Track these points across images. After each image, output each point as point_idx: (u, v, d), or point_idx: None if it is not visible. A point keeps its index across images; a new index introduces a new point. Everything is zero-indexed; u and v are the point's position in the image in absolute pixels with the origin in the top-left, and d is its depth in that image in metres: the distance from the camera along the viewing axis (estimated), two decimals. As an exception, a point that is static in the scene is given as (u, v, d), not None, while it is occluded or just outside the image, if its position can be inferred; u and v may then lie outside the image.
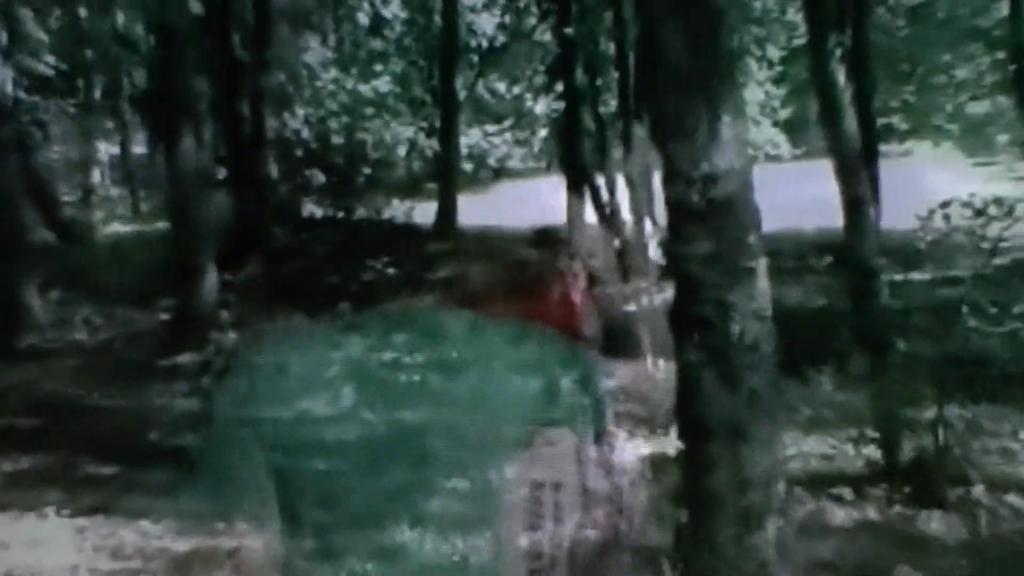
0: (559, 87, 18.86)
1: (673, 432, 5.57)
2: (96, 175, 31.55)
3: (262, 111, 18.95)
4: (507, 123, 31.15)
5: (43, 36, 29.06)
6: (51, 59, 29.77)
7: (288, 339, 2.47)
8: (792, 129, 29.18)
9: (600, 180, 17.27)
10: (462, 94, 24.14)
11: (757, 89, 27.34)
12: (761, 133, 27.55)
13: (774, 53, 26.12)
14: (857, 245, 8.43)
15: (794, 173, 21.04)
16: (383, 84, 27.20)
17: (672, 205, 4.43)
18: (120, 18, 30.19)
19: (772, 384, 4.39)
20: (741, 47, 23.09)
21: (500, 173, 31.20)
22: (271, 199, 19.22)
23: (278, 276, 16.40)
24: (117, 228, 25.22)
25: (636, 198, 16.67)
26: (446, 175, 22.54)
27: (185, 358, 10.86)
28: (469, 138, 29.30)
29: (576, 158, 11.42)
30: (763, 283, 4.37)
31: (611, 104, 20.50)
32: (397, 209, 21.35)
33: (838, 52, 9.53)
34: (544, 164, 30.95)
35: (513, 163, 31.60)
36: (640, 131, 16.92)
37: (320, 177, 20.99)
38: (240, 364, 2.23)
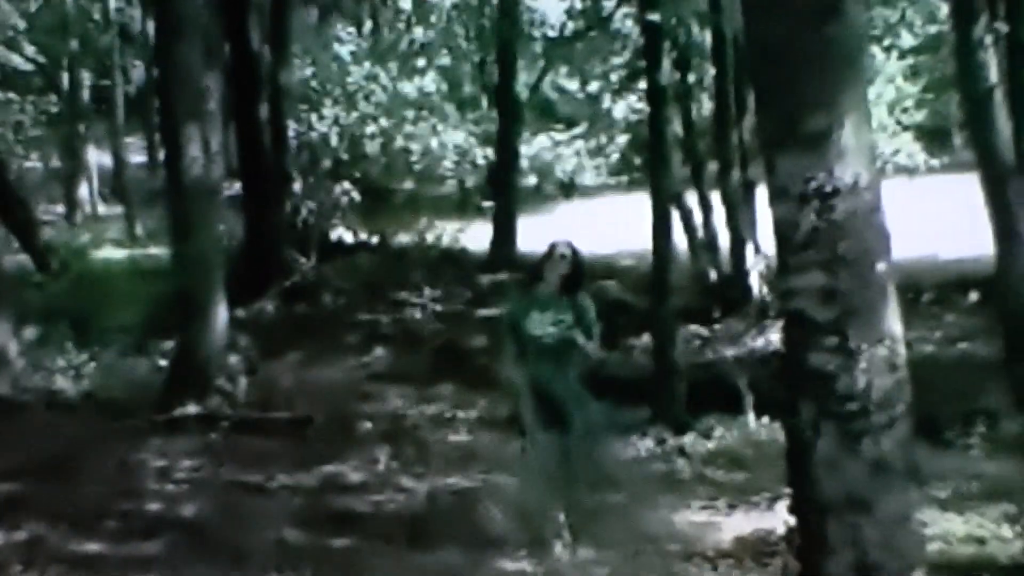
0: (642, 85, 18.86)
1: (782, 506, 5.51)
2: (83, 189, 32.01)
3: (283, 113, 19.18)
4: (578, 129, 31.24)
5: (19, 22, 29.68)
6: (30, 50, 30.42)
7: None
8: (929, 136, 28.89)
9: (692, 198, 17.24)
10: (523, 93, 24.25)
11: (886, 86, 27.14)
12: (890, 140, 27.30)
13: (907, 41, 25.93)
14: (1012, 278, 8.32)
15: (931, 189, 20.84)
16: (428, 81, 27.45)
17: (780, 228, 4.42)
18: (112, 1, 30.83)
19: (905, 449, 4.34)
20: (866, 34, 22.98)
21: (569, 189, 31.26)
22: (293, 220, 19.41)
23: (300, 313, 16.58)
24: (108, 253, 25.52)
25: (735, 220, 16.62)
26: (504, 191, 22.62)
27: (188, 410, 10.99)
28: (532, 147, 29.38)
29: (662, 171, 11.36)
30: (894, 324, 4.34)
31: (705, 106, 20.48)
32: (444, 232, 21.47)
33: (989, 40, 9.41)
34: (623, 178, 30.95)
35: (585, 177, 31.65)
36: (741, 138, 16.89)
37: (352, 193, 21.16)
38: None
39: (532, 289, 7.10)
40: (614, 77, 27.49)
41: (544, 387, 6.99)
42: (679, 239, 14.68)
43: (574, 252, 7.06)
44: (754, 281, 16.09)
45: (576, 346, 6.93)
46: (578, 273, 7.04)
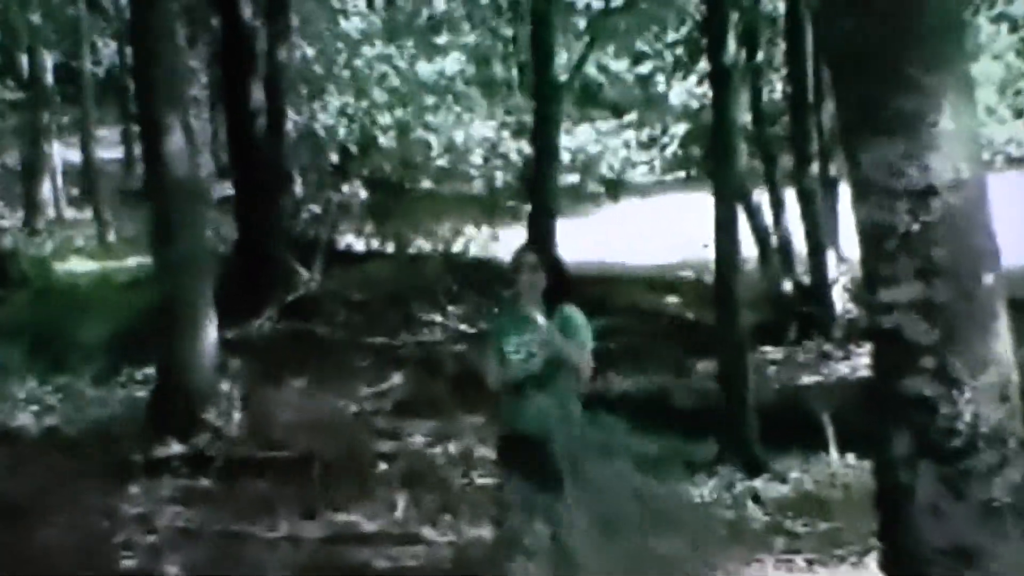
0: (703, 65, 18.86)
1: (872, 560, 5.50)
2: (46, 189, 32.19)
3: (281, 100, 19.25)
4: (628, 117, 31.23)
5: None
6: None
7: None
8: (1046, 122, 28.70)
9: (762, 196, 17.22)
10: (563, 75, 24.23)
11: (994, 64, 27.01)
12: (999, 127, 27.13)
13: (1021, 9, 25.76)
14: None
15: (1049, 184, 20.74)
16: (451, 62, 27.53)
17: (867, 231, 4.42)
18: (78, -34, 31.01)
19: (1019, 491, 4.33)
20: (968, 3, 22.89)
21: (617, 187, 31.24)
22: (293, 224, 19.49)
23: (302, 333, 16.62)
24: (76, 265, 25.67)
25: (813, 221, 16.58)
26: (540, 190, 22.56)
27: (172, 449, 11.04)
28: (574, 138, 29.38)
29: (727, 165, 11.33)
30: (1003, 345, 4.33)
31: (777, 89, 20.45)
32: (471, 239, 21.50)
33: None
34: (680, 175, 30.95)
35: (636, 173, 31.65)
36: (820, 126, 16.85)
37: (362, 193, 21.25)
38: None
39: (515, 305, 6.73)
40: (670, 56, 27.52)
41: (531, 429, 6.60)
42: (747, 245, 14.67)
43: (551, 258, 6.93)
44: (837, 294, 16.06)
45: (567, 369, 6.56)
46: (560, 281, 6.71)
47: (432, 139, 26.42)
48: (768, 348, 14.73)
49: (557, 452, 6.62)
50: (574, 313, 6.62)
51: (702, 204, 12.11)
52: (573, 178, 29.55)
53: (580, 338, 6.56)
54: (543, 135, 22.54)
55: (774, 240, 17.21)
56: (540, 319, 6.47)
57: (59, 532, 9.07)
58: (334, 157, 23.38)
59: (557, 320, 6.53)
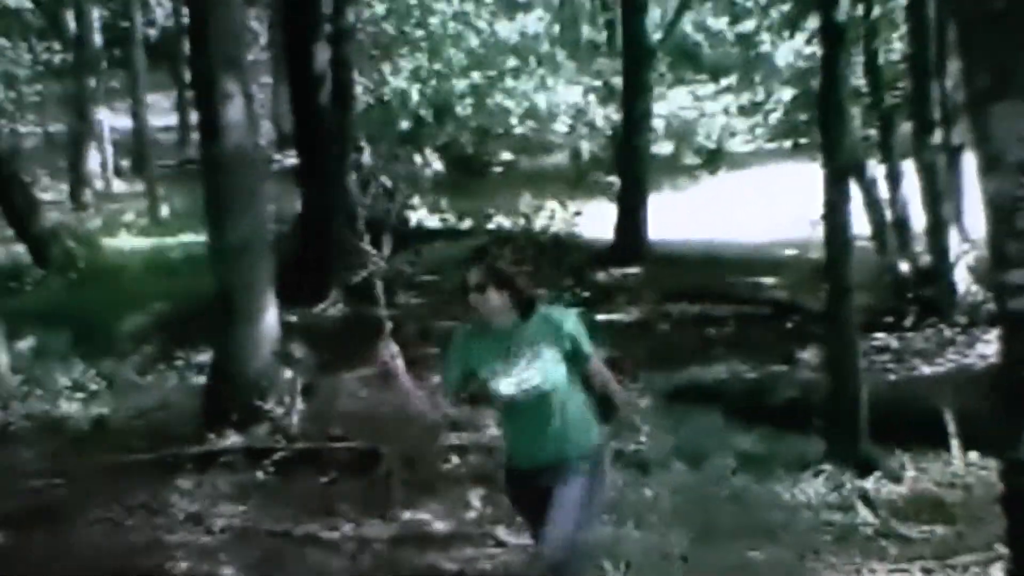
0: (812, 22, 18.67)
1: (998, 569, 5.44)
2: (94, 160, 32.46)
3: (348, 63, 19.31)
4: (727, 80, 31.06)
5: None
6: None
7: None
8: None
9: (877, 168, 17.04)
10: (656, 35, 24.17)
11: None
12: None
13: None
14: None
15: None
16: (533, 20, 27.50)
17: (996, 206, 4.35)
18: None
19: None
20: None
21: (715, 157, 31.10)
22: (360, 199, 19.55)
23: (369, 317, 16.64)
24: (125, 242, 25.90)
25: (934, 195, 16.38)
26: (631, 162, 22.56)
27: (228, 441, 11.11)
28: (668, 103, 29.35)
29: (838, 133, 11.17)
30: None
31: (895, 49, 20.21)
32: (554, 214, 21.47)
33: None
34: (786, 144, 30.72)
35: (736, 142, 31.49)
36: (943, 89, 16.64)
37: (436, 164, 21.29)
38: None
39: (484, 324, 6.00)
40: (775, 12, 27.29)
41: (527, 465, 6.02)
42: (860, 222, 14.51)
43: (497, 273, 5.93)
44: (960, 276, 15.85)
45: (563, 389, 5.85)
46: (520, 294, 5.91)
47: (512, 105, 26.40)
48: (881, 335, 14.55)
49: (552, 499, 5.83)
50: (556, 315, 5.95)
51: (809, 176, 12.00)
52: (666, 148, 29.46)
53: (578, 345, 5.88)
54: (633, 100, 22.53)
55: (889, 216, 17.00)
56: (531, 332, 5.85)
57: (105, 531, 9.19)
58: (405, 125, 23.42)
59: (534, 329, 5.87)
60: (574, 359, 5.89)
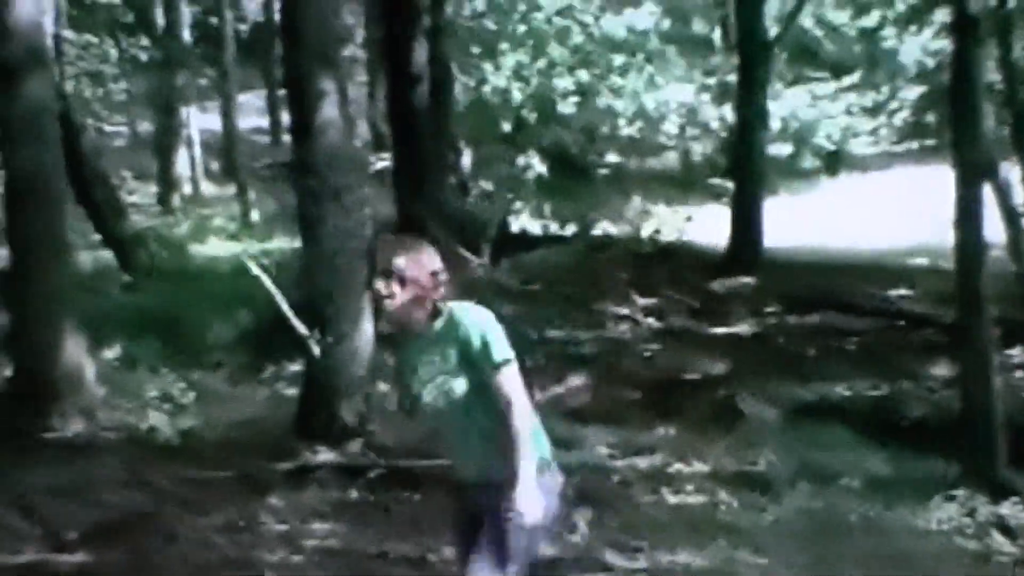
0: (941, 15, 18.45)
1: None
2: (182, 162, 32.80)
3: (447, 61, 19.36)
4: (850, 78, 30.81)
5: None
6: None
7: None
8: None
9: (1012, 170, 16.82)
10: (772, 30, 23.99)
11: None
12: None
13: None
14: None
15: None
16: (642, 16, 27.43)
17: None
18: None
19: None
20: None
21: (836, 160, 30.87)
22: (459, 202, 19.58)
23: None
24: (214, 247, 26.10)
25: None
26: (746, 164, 22.42)
27: (320, 457, 11.12)
28: (785, 103, 29.13)
29: (970, 134, 11.01)
30: None
31: (1032, 42, 19.92)
32: (663, 220, 21.38)
33: None
34: (913, 145, 30.42)
35: (860, 144, 31.20)
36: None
37: (538, 167, 21.27)
38: None
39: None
40: (900, 5, 27.04)
41: (462, 482, 5.67)
42: (994, 228, 14.30)
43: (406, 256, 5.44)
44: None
45: (479, 407, 5.38)
46: (417, 288, 5.44)
47: (619, 105, 26.30)
48: (1018, 350, 14.34)
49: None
50: (458, 314, 5.43)
51: (939, 180, 11.87)
52: (784, 150, 29.25)
53: (474, 354, 5.34)
54: (749, 100, 22.36)
55: (1028, 220, 16.79)
56: (434, 340, 5.45)
57: (192, 548, 9.21)
58: (506, 126, 23.43)
59: (443, 331, 5.45)
60: (473, 369, 5.34)
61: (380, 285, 5.39)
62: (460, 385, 5.34)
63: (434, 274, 5.41)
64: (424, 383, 5.44)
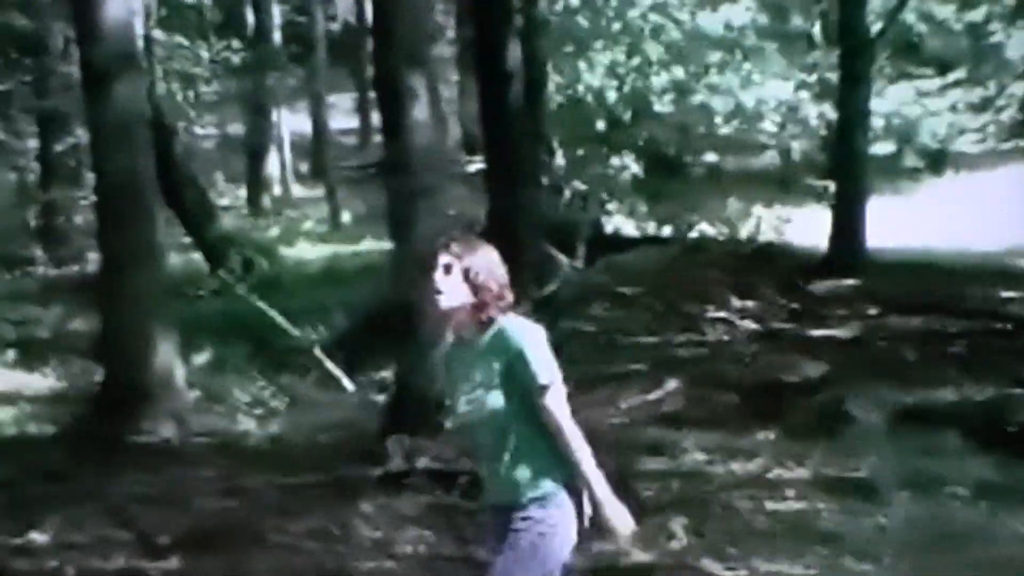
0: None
1: None
2: (273, 164, 32.98)
3: (540, 59, 19.32)
4: (955, 74, 30.47)
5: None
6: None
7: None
8: None
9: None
10: (875, 25, 23.80)
11: None
12: None
13: None
14: None
15: None
16: (739, 11, 27.25)
17: None
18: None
19: None
20: None
21: (941, 159, 30.56)
22: (553, 203, 19.55)
23: (561, 331, 16.60)
24: (304, 250, 26.25)
25: None
26: (847, 164, 22.24)
27: (412, 462, 11.13)
28: (888, 100, 28.83)
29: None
30: None
31: None
32: (762, 221, 21.25)
33: None
34: (1022, 143, 30.05)
35: (966, 142, 30.87)
36: None
37: (633, 167, 21.20)
38: None
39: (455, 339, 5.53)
40: (1010, -1, 26.78)
41: (490, 505, 5.54)
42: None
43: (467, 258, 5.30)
44: None
45: (515, 427, 5.26)
46: (480, 294, 5.29)
47: (716, 103, 26.11)
48: None
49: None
50: (509, 329, 5.25)
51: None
52: (887, 148, 28.96)
53: (519, 375, 5.18)
54: (850, 97, 22.18)
55: None
56: (479, 350, 5.29)
57: (283, 556, 9.25)
58: (600, 125, 23.34)
59: (491, 341, 5.28)
60: (514, 387, 5.19)
61: (439, 278, 5.22)
62: (496, 401, 5.19)
63: (502, 286, 5.28)
64: (463, 395, 5.34)
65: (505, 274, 5.32)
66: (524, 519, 5.25)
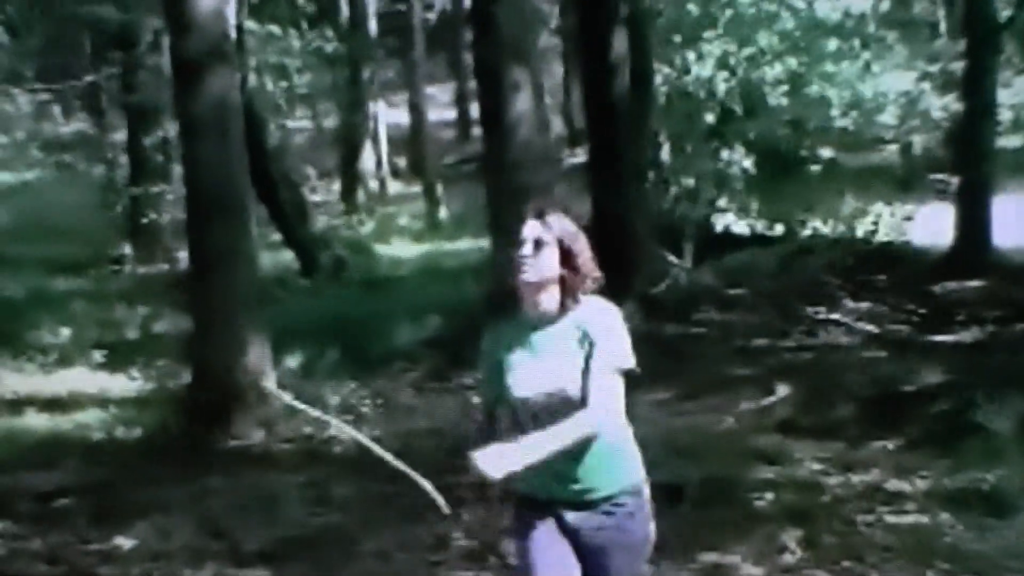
0: None
1: None
2: (368, 159, 33.02)
3: (647, 50, 19.27)
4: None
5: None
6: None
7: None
8: None
9: None
10: (1004, 13, 23.53)
11: None
12: None
13: None
14: None
15: None
16: (857, -1, 27.08)
17: None
18: None
19: None
20: None
21: (1071, 154, 30.22)
22: (660, 200, 19.51)
23: (668, 334, 16.57)
24: (401, 248, 26.26)
25: None
26: (973, 159, 21.99)
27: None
28: (1016, 91, 28.52)
29: None
30: None
31: None
32: (881, 219, 21.07)
33: None
34: None
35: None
36: None
37: (745, 162, 21.11)
38: None
39: (518, 314, 5.35)
40: None
41: (547, 500, 5.31)
42: None
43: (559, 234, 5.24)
44: None
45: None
46: (573, 269, 5.21)
47: (832, 95, 25.90)
48: None
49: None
50: (598, 314, 5.15)
51: None
52: (1014, 142, 28.63)
53: (598, 356, 5.05)
54: (976, 88, 21.92)
55: None
56: (564, 329, 5.15)
57: (375, 566, 9.31)
58: (710, 118, 23.25)
59: (568, 326, 5.16)
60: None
61: (527, 251, 5.16)
62: (572, 386, 5.04)
63: (595, 264, 5.22)
64: (522, 375, 5.17)
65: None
66: (629, 514, 5.20)
